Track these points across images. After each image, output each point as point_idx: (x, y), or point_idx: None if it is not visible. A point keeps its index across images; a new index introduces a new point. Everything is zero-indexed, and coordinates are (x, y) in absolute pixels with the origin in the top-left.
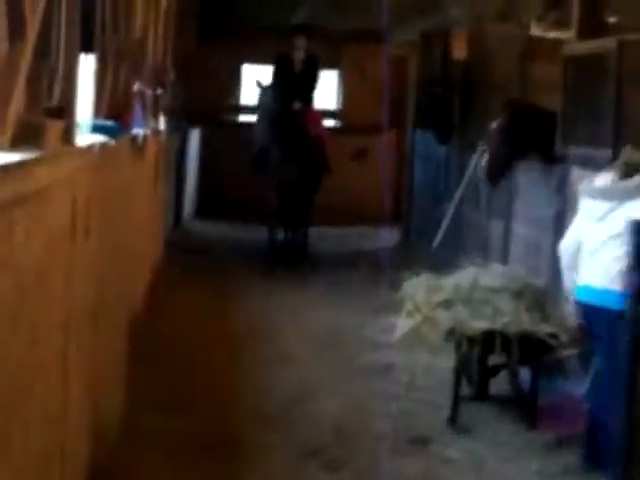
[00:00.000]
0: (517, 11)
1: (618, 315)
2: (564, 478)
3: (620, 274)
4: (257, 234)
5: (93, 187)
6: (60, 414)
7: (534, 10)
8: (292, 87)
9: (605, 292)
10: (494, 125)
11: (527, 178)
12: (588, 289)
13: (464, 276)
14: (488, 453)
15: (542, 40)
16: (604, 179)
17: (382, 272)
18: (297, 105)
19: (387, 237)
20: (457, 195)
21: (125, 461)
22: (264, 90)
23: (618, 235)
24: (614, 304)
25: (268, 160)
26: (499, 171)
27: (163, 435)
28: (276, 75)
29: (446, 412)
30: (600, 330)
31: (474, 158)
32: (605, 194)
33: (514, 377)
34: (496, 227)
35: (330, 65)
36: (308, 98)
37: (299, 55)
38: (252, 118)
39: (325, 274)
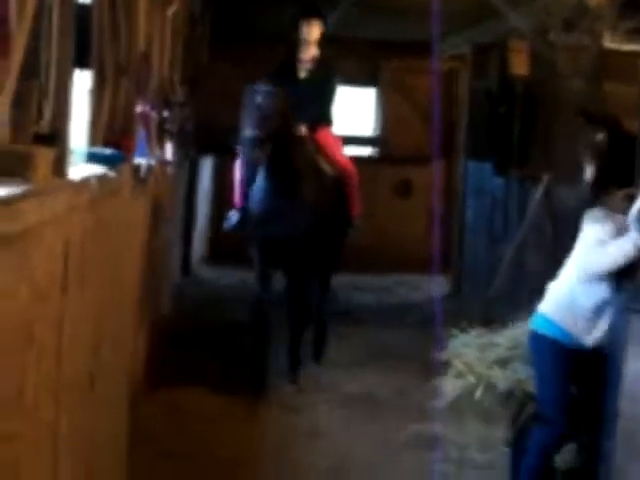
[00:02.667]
0: (587, 19)
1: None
2: None
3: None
4: (282, 282)
5: (89, 227)
6: None
7: (607, 18)
8: (296, 100)
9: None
10: (599, 138)
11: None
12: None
13: (522, 330)
14: None
15: (617, 53)
16: None
17: (430, 328)
18: (302, 129)
19: (435, 286)
20: (517, 237)
21: None
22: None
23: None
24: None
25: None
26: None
27: None
28: (274, 82)
29: None
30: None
31: (538, 192)
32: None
33: (584, 445)
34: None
35: (367, 83)
36: (320, 116)
37: (307, 53)
38: None
39: (363, 331)
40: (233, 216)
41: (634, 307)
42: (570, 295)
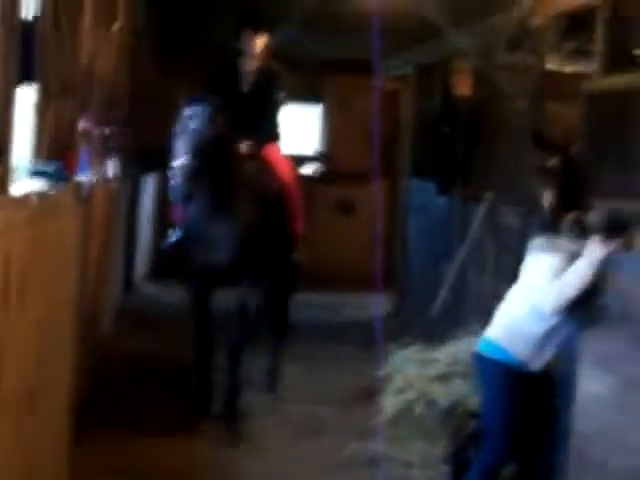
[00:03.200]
0: (531, 40)
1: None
2: None
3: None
4: (226, 299)
5: (30, 244)
6: None
7: (549, 39)
8: (238, 114)
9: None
10: (551, 164)
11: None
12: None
13: (461, 347)
14: None
15: (558, 74)
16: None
17: (372, 346)
18: (245, 147)
19: (378, 305)
20: (459, 256)
21: None
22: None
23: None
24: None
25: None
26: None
27: None
28: (213, 92)
29: None
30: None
31: (480, 211)
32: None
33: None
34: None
35: (311, 100)
36: (265, 133)
37: (250, 65)
38: None
39: (305, 349)
40: (173, 234)
41: (586, 331)
42: (520, 322)
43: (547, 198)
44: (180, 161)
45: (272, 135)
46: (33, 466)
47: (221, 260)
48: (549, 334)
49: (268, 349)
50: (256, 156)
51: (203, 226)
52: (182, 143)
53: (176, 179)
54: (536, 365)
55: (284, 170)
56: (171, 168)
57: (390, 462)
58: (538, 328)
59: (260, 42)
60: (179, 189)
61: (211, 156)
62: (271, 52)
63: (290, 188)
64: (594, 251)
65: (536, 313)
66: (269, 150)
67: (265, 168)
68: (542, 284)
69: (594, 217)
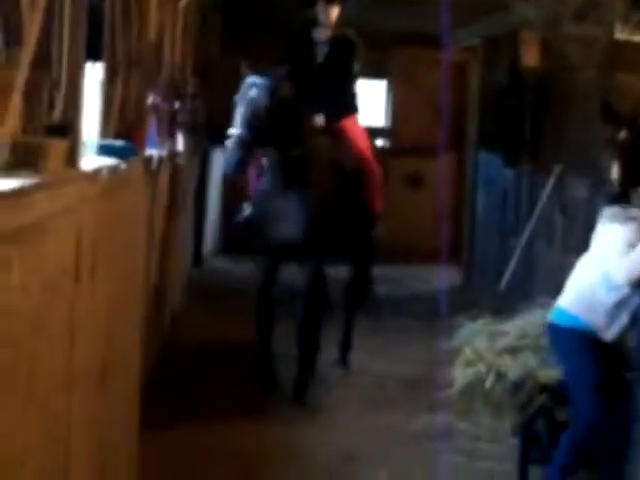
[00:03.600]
0: (599, 10)
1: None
2: None
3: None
4: (295, 274)
5: (101, 218)
6: None
7: (619, 9)
8: (312, 85)
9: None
10: (622, 136)
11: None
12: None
13: (531, 320)
14: None
15: (628, 44)
16: None
17: (441, 318)
18: (319, 120)
19: (446, 277)
20: (527, 229)
21: None
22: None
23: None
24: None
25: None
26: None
27: None
28: (287, 62)
29: None
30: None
31: (549, 184)
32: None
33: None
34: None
35: (377, 74)
36: (341, 105)
37: (323, 35)
38: None
39: (373, 324)
40: (246, 209)
41: None
42: (591, 290)
43: (615, 171)
44: (234, 131)
45: (350, 107)
46: (105, 444)
47: (292, 235)
48: (620, 304)
49: (341, 323)
50: (332, 130)
51: (274, 200)
52: (239, 112)
53: (228, 149)
54: (608, 335)
55: (363, 145)
56: (228, 137)
57: (459, 435)
58: (609, 297)
59: (334, 10)
60: (231, 160)
61: (270, 126)
62: (345, 21)
63: (369, 163)
64: None
65: (607, 283)
66: (347, 123)
67: (342, 142)
68: (613, 254)
69: None
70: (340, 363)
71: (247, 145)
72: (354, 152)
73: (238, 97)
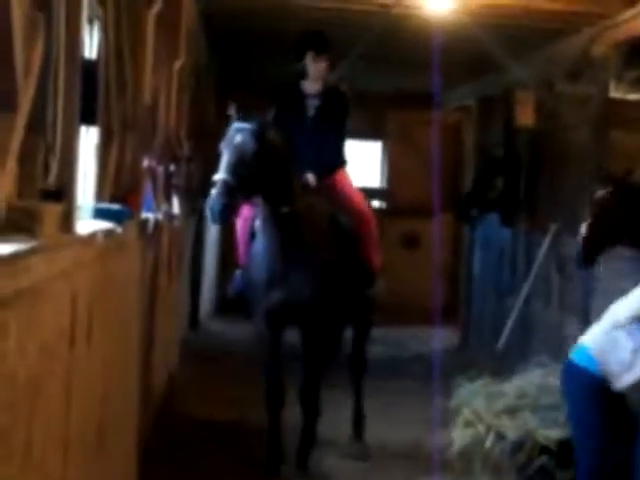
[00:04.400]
0: (592, 69)
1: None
2: None
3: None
4: (292, 335)
5: (97, 283)
6: None
7: (613, 67)
8: (302, 139)
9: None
10: (601, 195)
11: (609, 268)
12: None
13: (529, 380)
14: None
15: (623, 103)
16: None
17: (438, 379)
18: (311, 178)
19: (443, 338)
20: (525, 289)
21: None
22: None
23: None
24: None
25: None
26: (595, 255)
27: None
28: (276, 114)
29: None
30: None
31: (545, 242)
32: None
33: None
34: (571, 326)
35: (372, 135)
36: (333, 160)
37: (313, 87)
38: None
39: (372, 382)
40: (238, 277)
41: None
42: (616, 333)
43: (582, 230)
44: (217, 177)
45: (341, 160)
46: None
47: (295, 301)
48: (638, 351)
49: (351, 389)
50: (326, 185)
51: (271, 264)
52: (224, 159)
53: (211, 196)
54: (618, 385)
55: (358, 199)
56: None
57: None
58: (627, 343)
59: (323, 63)
60: (215, 207)
61: (258, 173)
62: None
63: (365, 218)
64: None
65: (629, 328)
66: (340, 179)
67: (337, 197)
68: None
69: None
70: (356, 437)
71: (232, 190)
72: (349, 207)
73: (223, 143)
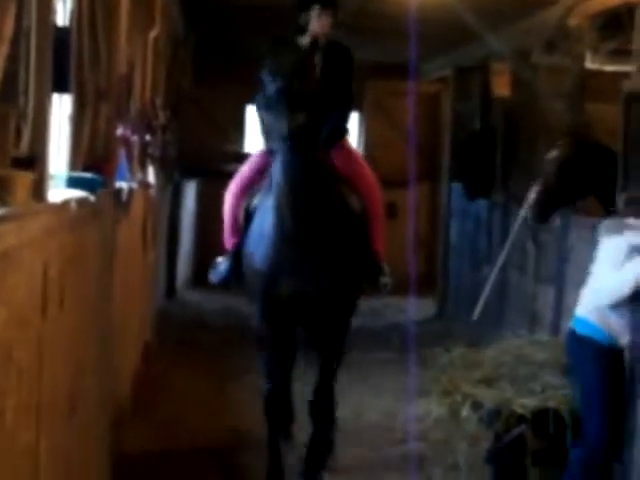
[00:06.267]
0: (568, 41)
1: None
2: None
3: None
4: None
5: (69, 250)
6: None
7: (588, 39)
8: (309, 103)
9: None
10: (552, 155)
11: (582, 237)
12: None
13: (506, 350)
14: None
15: (598, 74)
16: None
17: (415, 349)
18: (302, 119)
19: (420, 308)
20: (500, 258)
21: None
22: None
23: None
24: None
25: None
26: (551, 209)
27: None
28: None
29: None
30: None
31: (520, 214)
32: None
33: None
34: (546, 295)
35: None
36: (340, 126)
37: (319, 44)
38: None
39: (350, 354)
40: (222, 264)
41: None
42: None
43: (531, 195)
44: (275, 84)
45: (346, 128)
46: (73, 472)
47: (309, 290)
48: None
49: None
50: (333, 159)
51: (280, 256)
52: (279, 68)
53: (268, 114)
54: (624, 340)
55: (368, 176)
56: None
57: (436, 463)
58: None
59: (329, 18)
60: (275, 121)
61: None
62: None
63: (374, 198)
64: None
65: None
66: (345, 149)
67: (345, 175)
68: (617, 265)
69: None
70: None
71: (304, 104)
72: (359, 184)
73: (272, 58)
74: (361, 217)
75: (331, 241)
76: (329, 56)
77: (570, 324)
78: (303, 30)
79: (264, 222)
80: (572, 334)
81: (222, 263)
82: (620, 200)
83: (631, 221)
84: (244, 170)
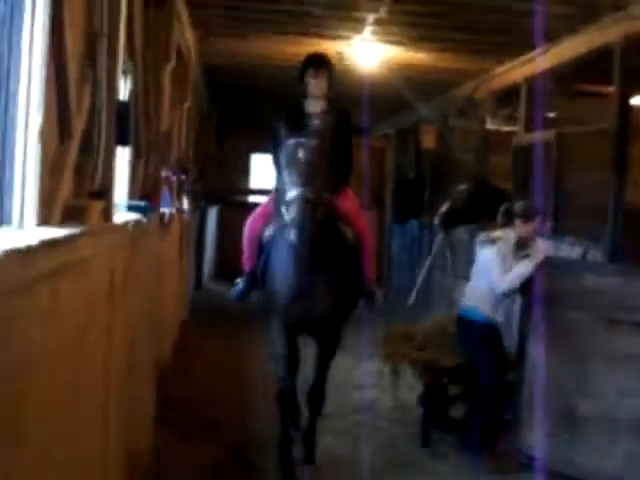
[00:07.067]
0: (475, 108)
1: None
2: None
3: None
4: None
5: (128, 258)
6: (101, 466)
7: (489, 108)
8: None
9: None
10: (460, 188)
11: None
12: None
13: (432, 325)
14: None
15: (496, 133)
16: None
17: (367, 325)
18: (309, 193)
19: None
20: (427, 262)
21: None
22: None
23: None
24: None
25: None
26: (453, 223)
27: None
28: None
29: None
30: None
31: (441, 232)
32: (483, 242)
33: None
34: (459, 287)
35: None
36: (341, 176)
37: (317, 106)
38: (261, 199)
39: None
40: (240, 284)
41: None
42: (483, 292)
43: (442, 209)
44: (294, 191)
45: (344, 179)
46: (131, 417)
47: (315, 314)
48: (501, 298)
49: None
50: (330, 202)
51: (296, 279)
52: (293, 173)
53: (293, 213)
54: (498, 317)
55: (360, 218)
56: (282, 202)
57: (382, 407)
58: (494, 294)
59: (324, 79)
60: (298, 221)
61: (322, 189)
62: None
63: (366, 236)
64: (537, 255)
65: (492, 287)
66: (345, 195)
67: (343, 215)
68: (494, 269)
69: (519, 206)
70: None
71: (315, 206)
72: (353, 224)
73: (287, 156)
74: (355, 248)
75: (332, 269)
76: (332, 118)
77: (459, 313)
78: (305, 95)
79: (280, 254)
80: (461, 319)
81: (240, 283)
82: (501, 216)
83: (498, 233)
84: (259, 210)
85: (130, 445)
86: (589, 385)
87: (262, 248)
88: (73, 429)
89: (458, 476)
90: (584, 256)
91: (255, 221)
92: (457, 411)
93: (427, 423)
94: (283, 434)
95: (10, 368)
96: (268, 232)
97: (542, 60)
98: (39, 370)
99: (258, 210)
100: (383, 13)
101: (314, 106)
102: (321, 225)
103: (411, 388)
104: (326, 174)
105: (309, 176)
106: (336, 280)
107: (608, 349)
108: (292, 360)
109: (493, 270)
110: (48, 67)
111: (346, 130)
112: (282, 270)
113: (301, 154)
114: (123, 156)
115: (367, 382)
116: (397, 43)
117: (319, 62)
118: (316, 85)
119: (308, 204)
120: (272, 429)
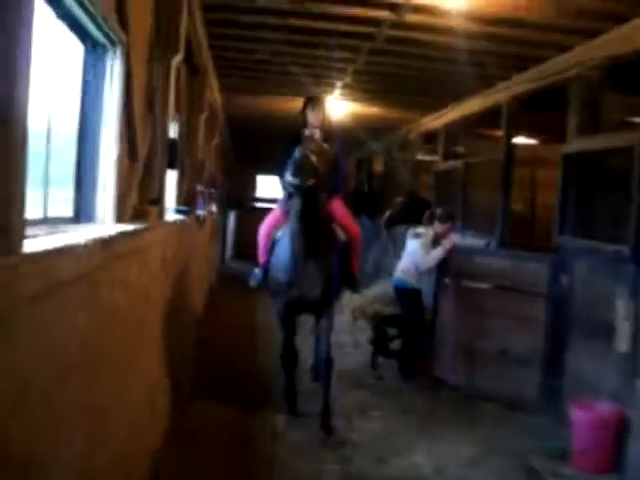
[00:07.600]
0: (409, 145)
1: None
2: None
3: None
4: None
5: (175, 245)
6: (155, 378)
7: (418, 144)
8: (315, 172)
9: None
10: (398, 200)
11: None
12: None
13: (378, 289)
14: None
15: (423, 162)
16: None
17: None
18: (311, 181)
19: None
20: (376, 248)
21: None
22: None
23: (409, 254)
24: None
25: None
26: (393, 224)
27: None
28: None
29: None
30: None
31: (381, 222)
32: (411, 235)
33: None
34: (397, 264)
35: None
36: (338, 186)
37: (315, 133)
38: (265, 205)
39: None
40: (257, 274)
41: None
42: (409, 269)
43: (386, 215)
44: (295, 180)
45: (338, 189)
46: (178, 350)
47: (309, 296)
48: (422, 274)
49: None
50: (332, 211)
51: (296, 268)
52: (296, 164)
53: (294, 198)
54: (421, 286)
55: (351, 222)
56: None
57: (347, 343)
58: (419, 271)
59: (320, 112)
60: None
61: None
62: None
63: (356, 237)
64: (446, 244)
65: (417, 266)
66: (337, 203)
67: (335, 218)
68: (419, 253)
69: (438, 212)
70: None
71: (313, 192)
72: (345, 226)
73: (298, 148)
74: (344, 245)
75: (325, 260)
76: (328, 140)
77: (394, 283)
78: (305, 125)
79: (284, 247)
80: (396, 287)
81: (257, 274)
82: (426, 218)
83: (422, 230)
84: (272, 215)
85: (176, 382)
86: (483, 329)
87: (272, 246)
88: (136, 357)
89: (393, 391)
90: (488, 245)
91: (267, 227)
92: (394, 345)
93: (375, 354)
94: (288, 378)
95: (97, 322)
96: (279, 233)
97: (453, 113)
98: (116, 324)
99: (269, 218)
100: (348, 80)
101: (312, 133)
102: (321, 224)
103: (363, 331)
104: (325, 176)
105: (312, 172)
106: (327, 271)
107: (496, 305)
108: (291, 327)
109: (418, 254)
110: (123, 114)
111: (340, 148)
112: (283, 263)
113: (305, 159)
114: (172, 176)
115: (341, 327)
116: (357, 101)
117: (316, 99)
118: (314, 116)
119: (310, 184)
120: (275, 363)
